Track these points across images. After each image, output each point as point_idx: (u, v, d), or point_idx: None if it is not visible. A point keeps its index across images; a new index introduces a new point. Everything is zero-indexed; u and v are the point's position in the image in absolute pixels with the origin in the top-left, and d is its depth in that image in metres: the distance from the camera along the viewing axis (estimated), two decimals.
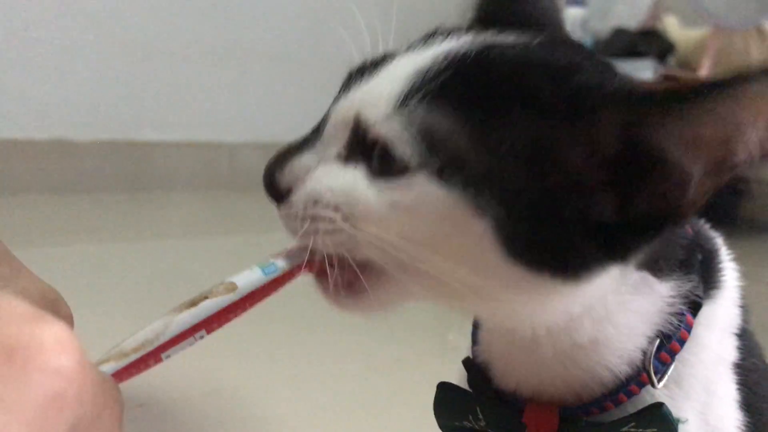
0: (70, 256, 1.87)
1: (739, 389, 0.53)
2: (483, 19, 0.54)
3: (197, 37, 2.74)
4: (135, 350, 0.43)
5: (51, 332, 0.32)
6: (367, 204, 0.43)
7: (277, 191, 0.47)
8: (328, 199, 0.45)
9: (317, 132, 0.48)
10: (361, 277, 0.45)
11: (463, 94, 0.42)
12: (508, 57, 0.44)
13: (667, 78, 2.80)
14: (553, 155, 0.41)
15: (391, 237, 0.43)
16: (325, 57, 2.84)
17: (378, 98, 0.44)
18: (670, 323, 0.49)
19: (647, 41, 2.85)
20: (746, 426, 0.52)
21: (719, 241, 0.57)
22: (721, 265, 0.54)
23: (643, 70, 2.80)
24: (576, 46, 0.51)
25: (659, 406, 0.47)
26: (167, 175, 2.73)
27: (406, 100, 0.42)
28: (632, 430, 0.47)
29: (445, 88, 0.42)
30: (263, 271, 0.47)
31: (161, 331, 0.44)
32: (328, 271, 0.46)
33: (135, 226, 2.29)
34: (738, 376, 0.53)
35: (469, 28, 0.49)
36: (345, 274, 0.46)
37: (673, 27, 3.11)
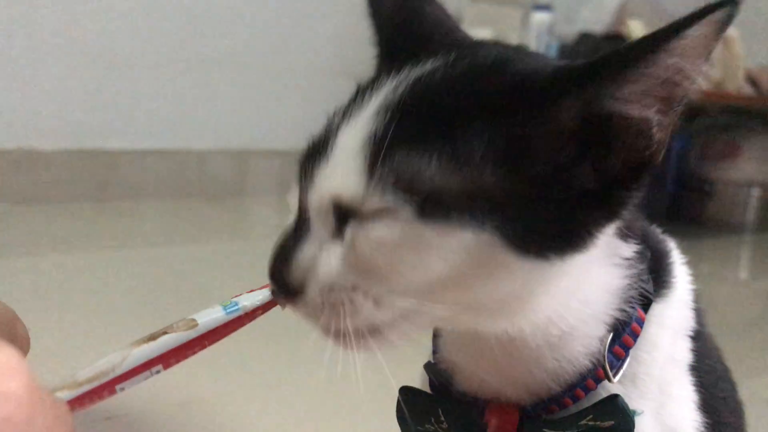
0: (37, 267, 1.86)
1: (697, 391, 0.54)
2: (388, 53, 0.55)
3: (164, 44, 2.72)
4: (89, 381, 0.43)
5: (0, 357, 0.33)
6: (373, 263, 0.44)
7: (291, 289, 0.46)
8: (342, 281, 0.45)
9: (303, 222, 0.48)
10: (383, 336, 0.46)
11: (416, 134, 0.44)
12: (439, 82, 0.46)
13: None
14: (525, 152, 0.43)
15: (405, 285, 0.44)
16: (292, 65, 2.84)
17: (346, 178, 0.45)
18: (625, 311, 0.50)
19: (613, 45, 2.89)
20: (705, 427, 0.54)
21: (671, 244, 0.58)
22: (672, 267, 0.56)
23: None
24: (488, 46, 0.53)
25: (615, 397, 0.49)
26: (135, 183, 2.71)
27: (372, 167, 0.44)
28: (590, 423, 0.49)
29: (399, 136, 0.44)
30: (225, 309, 0.48)
31: (117, 364, 0.44)
32: (352, 342, 0.46)
33: (103, 236, 2.27)
34: (695, 377, 0.54)
35: (381, 67, 0.52)
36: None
37: (637, 31, 3.16)
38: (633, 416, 0.48)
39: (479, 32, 3.18)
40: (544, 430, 0.50)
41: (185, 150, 2.81)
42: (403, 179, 0.43)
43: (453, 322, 0.48)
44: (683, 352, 0.54)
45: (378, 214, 0.44)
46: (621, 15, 3.11)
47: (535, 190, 0.43)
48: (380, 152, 0.43)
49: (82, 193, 2.57)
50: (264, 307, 0.49)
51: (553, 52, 2.85)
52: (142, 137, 2.73)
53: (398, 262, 0.44)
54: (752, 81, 3.29)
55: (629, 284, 0.51)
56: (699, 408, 0.54)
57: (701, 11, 0.40)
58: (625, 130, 0.43)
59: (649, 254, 0.53)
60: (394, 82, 0.47)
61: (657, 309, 0.52)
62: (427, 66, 0.48)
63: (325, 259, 0.46)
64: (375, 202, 0.43)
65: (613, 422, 0.48)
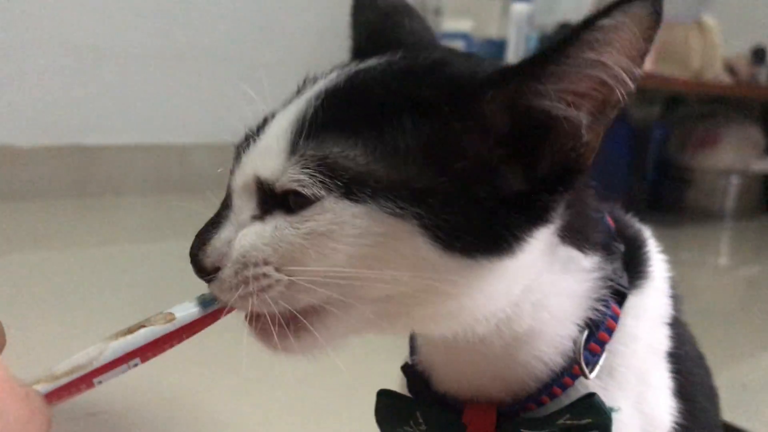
0: (17, 265, 1.84)
1: (673, 377, 0.55)
2: (360, 53, 0.56)
3: (144, 39, 2.70)
4: (66, 374, 0.43)
5: None
6: (289, 241, 0.44)
7: (206, 271, 0.47)
8: (255, 256, 0.45)
9: (227, 206, 0.49)
10: (304, 321, 0.46)
11: (344, 120, 0.45)
12: (375, 74, 0.47)
13: None
14: (450, 147, 0.44)
15: (325, 268, 0.44)
16: (274, 58, 2.83)
17: (269, 155, 0.46)
18: (597, 310, 0.50)
19: None
20: (680, 413, 0.54)
21: (647, 233, 0.59)
22: (647, 256, 0.56)
23: None
24: (441, 49, 0.54)
25: (591, 396, 0.49)
26: (116, 179, 2.70)
27: (294, 146, 0.44)
28: (567, 422, 0.49)
29: (326, 121, 0.45)
30: (202, 304, 0.48)
31: (95, 357, 0.44)
32: (271, 329, 0.46)
33: (84, 233, 2.26)
34: (672, 364, 0.55)
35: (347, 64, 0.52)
36: (285, 320, 0.47)
37: None
38: (610, 413, 0.49)
39: (460, 23, 3.18)
40: (521, 430, 0.50)
41: (166, 144, 2.80)
42: (327, 161, 0.43)
43: (388, 322, 0.47)
44: (661, 340, 0.55)
45: (298, 195, 0.44)
46: (600, 5, 3.12)
47: (460, 187, 0.43)
48: (303, 132, 0.44)
49: (61, 190, 2.55)
50: None
51: (533, 43, 2.86)
52: (122, 132, 2.71)
53: (314, 243, 0.43)
54: (730, 69, 3.32)
55: (595, 287, 0.50)
56: (675, 394, 0.54)
57: (615, 3, 0.40)
58: (555, 131, 0.43)
59: (622, 248, 0.53)
60: (335, 74, 0.49)
61: (633, 301, 0.52)
62: (371, 62, 0.49)
63: (240, 237, 0.46)
64: (291, 178, 0.44)
65: (590, 420, 0.48)
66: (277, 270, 0.45)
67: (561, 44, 0.41)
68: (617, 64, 0.41)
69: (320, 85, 0.48)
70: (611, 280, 0.51)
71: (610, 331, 0.51)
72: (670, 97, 3.04)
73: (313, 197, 0.43)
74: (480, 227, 0.43)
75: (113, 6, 2.62)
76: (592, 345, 0.50)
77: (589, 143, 0.44)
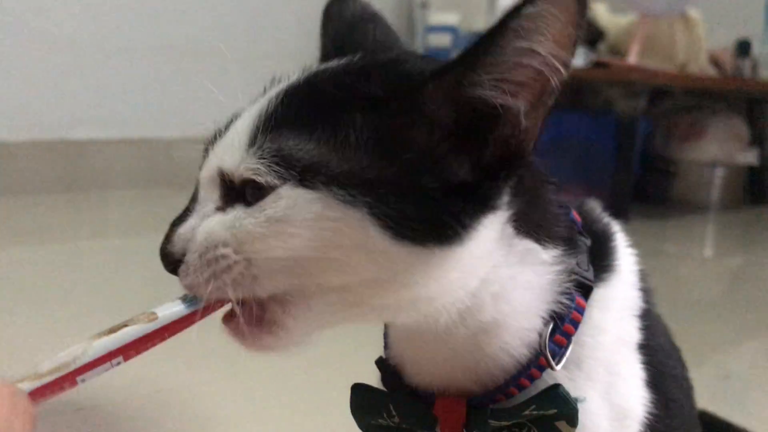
0: (4, 260, 1.84)
1: (645, 369, 0.56)
2: (326, 59, 0.57)
3: (130, 32, 2.69)
4: (50, 372, 0.44)
5: None
6: (248, 229, 0.46)
7: (173, 260, 0.49)
8: (215, 239, 0.47)
9: (194, 199, 0.51)
10: (269, 309, 0.48)
11: (300, 116, 0.47)
12: (332, 74, 0.50)
13: (598, 64, 2.87)
14: (397, 139, 0.46)
15: (281, 252, 0.45)
16: (260, 51, 2.83)
17: (230, 148, 0.48)
18: (561, 303, 0.51)
19: None
20: (653, 403, 0.56)
21: (615, 227, 0.60)
22: (613, 250, 0.57)
23: (575, 57, 2.86)
24: (399, 51, 0.57)
25: (556, 387, 0.50)
26: (103, 173, 2.69)
27: (254, 139, 0.47)
28: (534, 412, 0.50)
29: (284, 117, 0.47)
30: (184, 303, 0.49)
31: (78, 355, 0.45)
32: (244, 327, 0.48)
33: (71, 227, 2.26)
34: (643, 356, 0.56)
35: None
36: (253, 312, 0.48)
37: (602, 14, 3.18)
38: (575, 404, 0.50)
39: (447, 16, 3.19)
40: (489, 420, 0.51)
41: (153, 138, 2.79)
42: (282, 153, 0.45)
43: (351, 312, 0.48)
44: (631, 332, 0.56)
45: (255, 187, 0.46)
46: None
47: (408, 177, 0.45)
48: (264, 127, 0.47)
49: (48, 184, 2.54)
50: (222, 302, 0.50)
51: None
52: (109, 126, 2.71)
53: (272, 229, 0.45)
54: (715, 62, 3.34)
55: (557, 280, 0.51)
56: (647, 385, 0.56)
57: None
58: (492, 118, 0.45)
59: (588, 242, 0.55)
60: (297, 75, 0.51)
61: (599, 294, 0.54)
62: (332, 63, 0.51)
63: (203, 226, 0.48)
64: (248, 167, 0.46)
65: (556, 410, 0.50)
66: (236, 252, 0.47)
67: (492, 34, 0.43)
68: (548, 51, 0.42)
69: (282, 85, 0.51)
70: (575, 273, 0.52)
71: (576, 324, 0.52)
72: (656, 90, 3.05)
73: (267, 185, 0.46)
74: (428, 216, 0.45)
75: (99, 0, 2.61)
76: (558, 337, 0.51)
77: (528, 130, 0.45)
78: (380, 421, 0.55)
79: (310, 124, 0.46)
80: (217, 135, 0.51)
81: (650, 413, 0.55)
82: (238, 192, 0.48)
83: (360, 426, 0.58)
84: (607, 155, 2.95)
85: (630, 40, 3.01)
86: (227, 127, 0.51)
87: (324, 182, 0.44)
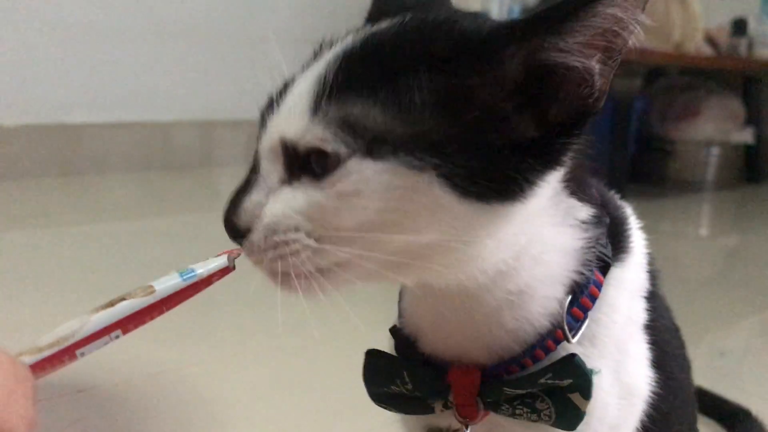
0: (2, 243, 1.84)
1: (650, 349, 0.57)
2: (375, 17, 0.56)
3: (126, 15, 2.68)
4: (50, 346, 0.45)
5: None
6: (320, 205, 0.46)
7: (239, 232, 0.49)
8: (286, 224, 0.47)
9: (254, 170, 0.50)
10: (325, 280, 0.48)
11: (362, 80, 0.46)
12: (389, 36, 0.49)
13: None
14: (465, 99, 0.45)
15: (352, 224, 0.46)
16: (258, 34, 2.82)
17: (292, 116, 0.47)
18: (583, 273, 0.52)
19: None
20: (657, 383, 0.57)
21: (628, 210, 0.61)
22: (629, 232, 0.58)
23: None
24: (447, 8, 0.56)
25: (572, 356, 0.51)
26: (100, 157, 2.69)
27: (316, 106, 0.46)
28: (549, 381, 0.51)
29: (346, 81, 0.46)
30: (181, 276, 0.50)
31: (77, 329, 0.46)
32: (296, 284, 0.48)
33: (68, 211, 2.26)
34: (649, 336, 0.57)
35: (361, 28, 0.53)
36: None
37: None
38: (591, 375, 0.50)
39: None
40: (504, 389, 0.52)
41: (150, 122, 2.79)
42: (349, 121, 0.45)
43: (401, 271, 0.49)
44: (639, 312, 0.57)
45: (320, 156, 0.46)
46: None
47: (474, 136, 0.45)
48: (324, 93, 0.46)
49: (45, 168, 2.54)
50: (219, 274, 0.51)
51: (515, 15, 2.86)
52: (106, 110, 2.70)
53: (344, 203, 0.45)
54: (711, 41, 3.33)
55: (586, 247, 0.52)
56: (652, 365, 0.57)
57: None
58: (569, 79, 0.45)
59: (608, 220, 0.55)
60: (351, 38, 0.50)
61: (616, 273, 0.54)
62: (383, 24, 0.50)
63: (271, 204, 0.48)
64: (315, 136, 0.45)
65: (571, 381, 0.50)
66: (308, 236, 0.47)
67: (581, 1, 0.43)
68: (631, 16, 0.43)
69: (337, 49, 0.49)
70: (599, 244, 0.53)
71: (594, 299, 0.52)
72: (651, 70, 3.05)
73: (335, 155, 0.45)
74: (494, 173, 0.45)
75: None
76: (575, 310, 0.52)
77: (602, 88, 0.46)
78: (393, 388, 0.56)
79: (373, 89, 0.45)
80: (273, 103, 0.50)
81: (654, 392, 0.57)
82: (302, 161, 0.47)
83: (371, 394, 0.58)
84: (602, 135, 2.95)
85: None
86: (282, 94, 0.50)
87: (392, 150, 0.44)
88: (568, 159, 0.48)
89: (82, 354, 0.46)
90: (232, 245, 0.51)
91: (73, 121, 2.61)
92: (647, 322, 0.57)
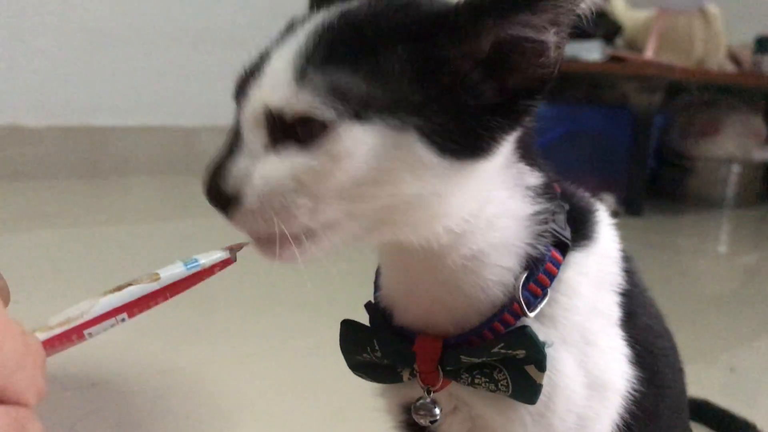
0: (26, 243, 1.88)
1: (631, 347, 0.59)
2: (320, 3, 0.59)
3: (152, 21, 2.72)
4: (60, 325, 0.48)
5: None
6: (310, 169, 0.48)
7: (225, 199, 0.50)
8: (281, 186, 0.49)
9: (236, 138, 0.51)
10: (308, 232, 0.50)
11: (343, 53, 0.49)
12: (363, 12, 0.52)
13: (614, 58, 2.87)
14: (439, 67, 0.49)
15: (343, 185, 0.48)
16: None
17: (277, 85, 0.49)
18: (537, 248, 0.55)
19: (595, 22, 2.90)
20: (639, 381, 0.58)
21: (599, 205, 0.63)
22: (593, 222, 0.60)
23: (591, 51, 2.86)
24: None
25: (523, 328, 0.53)
26: (123, 160, 2.72)
27: (302, 76, 0.48)
28: (502, 350, 0.53)
29: (328, 53, 0.49)
30: (185, 265, 0.52)
31: (86, 310, 0.48)
32: (276, 241, 0.50)
33: (91, 212, 2.29)
34: (628, 333, 0.59)
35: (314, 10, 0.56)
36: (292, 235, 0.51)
37: (620, 8, 3.18)
38: (542, 347, 0.52)
39: None
40: (461, 356, 0.55)
41: (173, 127, 2.82)
42: (336, 88, 0.47)
43: (381, 229, 0.51)
44: (609, 306, 0.58)
45: (307, 123, 0.48)
46: None
47: (450, 99, 0.49)
48: (309, 63, 0.48)
49: (70, 170, 2.58)
50: (220, 264, 0.53)
51: None
52: (131, 114, 2.74)
53: (335, 165, 0.48)
54: (734, 58, 3.32)
55: (536, 216, 0.55)
56: (633, 363, 0.58)
57: None
58: (530, 51, 0.49)
59: (567, 207, 0.58)
60: (323, 15, 0.53)
61: (576, 257, 0.57)
62: (353, 4, 0.53)
63: (260, 170, 0.49)
64: (305, 102, 0.47)
65: (525, 352, 0.53)
66: (305, 196, 0.49)
67: None
68: None
69: (312, 25, 0.52)
70: (552, 222, 0.55)
71: (551, 276, 0.55)
72: (672, 85, 3.04)
73: (325, 120, 0.47)
74: (466, 131, 0.49)
75: None
76: (532, 286, 0.54)
77: (557, 58, 0.50)
78: (365, 356, 0.59)
79: (354, 60, 0.49)
80: (251, 74, 0.52)
81: (636, 390, 0.58)
82: (287, 129, 0.49)
83: (348, 363, 0.62)
84: (622, 149, 2.95)
85: (647, 35, 3.01)
86: (259, 66, 0.52)
87: (377, 114, 0.48)
88: (528, 121, 0.52)
89: (90, 334, 0.49)
90: (241, 239, 0.53)
91: (98, 124, 2.66)
92: (624, 320, 0.59)
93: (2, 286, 0.50)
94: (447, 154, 0.48)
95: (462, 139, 0.49)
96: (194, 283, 0.52)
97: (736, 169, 3.41)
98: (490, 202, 0.53)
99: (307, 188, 0.48)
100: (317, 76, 0.48)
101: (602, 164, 2.99)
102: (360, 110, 0.47)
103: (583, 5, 0.48)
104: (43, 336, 0.47)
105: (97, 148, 2.66)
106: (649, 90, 2.86)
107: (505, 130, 0.50)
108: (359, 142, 0.47)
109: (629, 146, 2.93)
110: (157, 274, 0.51)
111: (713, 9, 3.10)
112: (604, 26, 3.01)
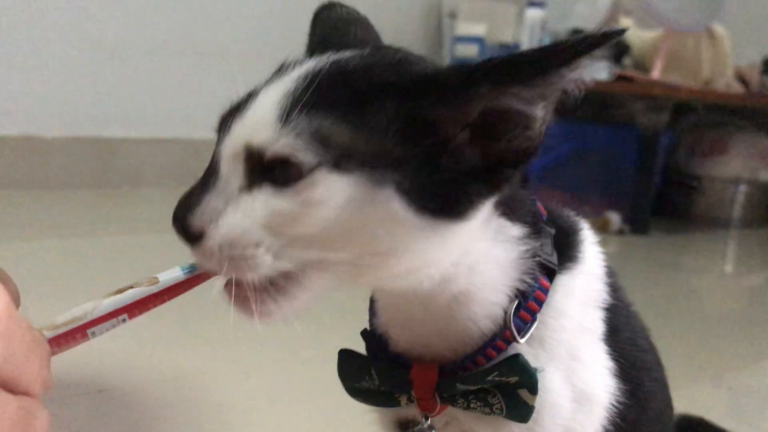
0: (38, 252, 1.89)
1: (615, 360, 0.60)
2: (315, 50, 0.61)
3: (165, 34, 2.75)
4: (65, 324, 0.50)
5: None
6: (281, 213, 0.48)
7: (191, 235, 0.50)
8: (246, 239, 0.49)
9: (213, 172, 0.51)
10: (279, 282, 0.50)
11: (331, 100, 0.49)
12: (354, 64, 0.52)
13: (621, 78, 2.88)
14: (426, 128, 0.49)
15: (312, 232, 0.48)
16: (289, 55, 2.86)
17: (260, 124, 0.49)
18: (525, 281, 0.56)
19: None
20: (622, 393, 0.60)
21: (583, 225, 0.64)
22: (578, 242, 0.62)
23: (599, 71, 2.87)
24: (392, 49, 0.59)
25: (516, 356, 0.54)
26: (135, 171, 2.74)
27: (287, 117, 0.48)
28: (497, 378, 0.55)
29: (316, 98, 0.49)
30: (182, 270, 0.54)
31: (89, 311, 0.51)
32: (250, 296, 0.50)
33: (103, 223, 2.31)
34: (611, 347, 0.60)
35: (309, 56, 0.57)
36: (263, 285, 0.51)
37: (629, 29, 3.19)
38: (534, 372, 0.54)
39: (474, 27, 3.21)
40: (457, 384, 0.56)
41: (184, 139, 2.84)
42: (319, 134, 0.47)
43: (356, 278, 0.52)
44: (594, 322, 0.60)
45: (286, 166, 0.48)
46: (614, 13, 3.15)
47: (432, 159, 0.49)
48: (295, 107, 0.48)
49: (82, 180, 2.60)
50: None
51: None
52: (142, 125, 2.76)
53: (307, 211, 0.48)
54: (741, 78, 3.33)
55: (523, 258, 0.56)
56: (616, 376, 0.60)
57: (604, 36, 0.45)
58: (517, 122, 0.49)
59: (553, 231, 0.59)
60: (315, 61, 0.53)
61: (563, 280, 0.58)
62: (345, 54, 0.54)
63: (230, 212, 0.49)
64: (287, 144, 0.47)
65: (517, 378, 0.54)
66: (267, 251, 0.48)
67: (554, 61, 0.46)
68: (579, 75, 0.47)
69: (302, 69, 0.52)
70: (539, 255, 0.56)
71: (540, 302, 0.56)
72: (679, 105, 3.05)
73: (302, 165, 0.47)
74: (444, 192, 0.49)
75: (134, 2, 2.67)
76: (523, 313, 0.55)
77: (542, 132, 0.50)
78: (363, 384, 0.60)
79: (342, 109, 0.48)
80: (236, 110, 0.52)
81: (620, 402, 0.59)
82: (264, 169, 0.49)
83: (346, 389, 0.63)
84: (628, 168, 2.95)
85: (655, 55, 3.02)
86: (245, 103, 0.52)
87: (357, 165, 0.47)
88: (508, 187, 0.52)
89: (93, 333, 0.51)
90: None
91: (109, 135, 2.68)
92: (607, 334, 0.60)
93: (13, 291, 0.52)
94: (424, 213, 0.48)
95: (440, 199, 0.49)
96: (191, 287, 0.54)
97: (742, 189, 3.41)
98: (469, 253, 0.53)
99: (276, 232, 0.48)
100: (302, 120, 0.47)
101: (609, 182, 3.00)
102: (341, 159, 0.47)
103: (572, 85, 0.47)
104: (49, 334, 0.49)
105: (108, 159, 2.68)
106: (656, 109, 2.87)
107: (484, 195, 0.51)
108: (335, 191, 0.47)
109: (636, 165, 2.94)
110: (156, 278, 0.54)
111: (720, 30, 3.12)
112: (613, 46, 3.03)
